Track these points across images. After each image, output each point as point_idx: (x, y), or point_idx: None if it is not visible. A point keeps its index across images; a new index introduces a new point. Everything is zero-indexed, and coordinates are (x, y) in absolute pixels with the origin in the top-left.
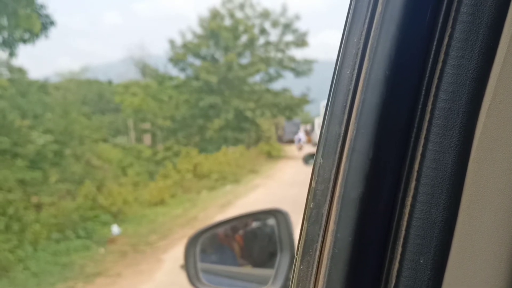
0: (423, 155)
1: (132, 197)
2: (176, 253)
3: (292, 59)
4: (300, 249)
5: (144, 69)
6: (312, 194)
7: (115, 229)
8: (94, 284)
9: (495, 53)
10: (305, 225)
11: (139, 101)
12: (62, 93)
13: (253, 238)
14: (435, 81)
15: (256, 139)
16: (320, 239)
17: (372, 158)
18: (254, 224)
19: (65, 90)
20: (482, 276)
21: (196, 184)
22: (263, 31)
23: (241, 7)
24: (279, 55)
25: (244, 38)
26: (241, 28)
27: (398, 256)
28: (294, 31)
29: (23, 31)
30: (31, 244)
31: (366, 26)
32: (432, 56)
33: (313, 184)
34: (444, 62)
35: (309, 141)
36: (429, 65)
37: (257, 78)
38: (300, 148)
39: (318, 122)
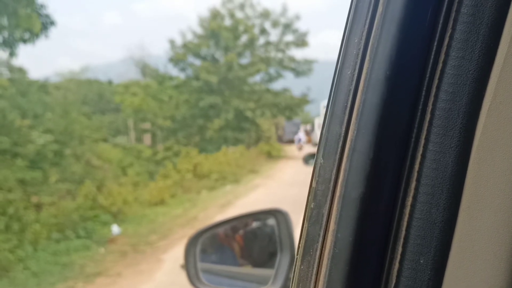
0: (423, 155)
1: (132, 197)
2: (176, 253)
3: (292, 59)
4: (301, 249)
5: (144, 69)
6: (313, 194)
7: (115, 229)
8: (94, 284)
9: (496, 54)
10: (305, 225)
11: (139, 101)
12: (62, 93)
13: (253, 238)
14: (436, 81)
15: (256, 139)
16: (320, 239)
17: (372, 158)
18: (254, 224)
19: (65, 90)
20: (482, 276)
21: (196, 184)
22: (263, 31)
23: (241, 7)
24: (279, 55)
25: (244, 38)
26: (241, 28)
27: (399, 256)
28: (294, 31)
29: (23, 31)
30: (31, 244)
31: (367, 26)
32: (432, 56)
33: (313, 184)
34: (445, 62)
35: (309, 141)
36: (430, 66)
37: (257, 78)
38: (300, 148)
39: (318, 122)
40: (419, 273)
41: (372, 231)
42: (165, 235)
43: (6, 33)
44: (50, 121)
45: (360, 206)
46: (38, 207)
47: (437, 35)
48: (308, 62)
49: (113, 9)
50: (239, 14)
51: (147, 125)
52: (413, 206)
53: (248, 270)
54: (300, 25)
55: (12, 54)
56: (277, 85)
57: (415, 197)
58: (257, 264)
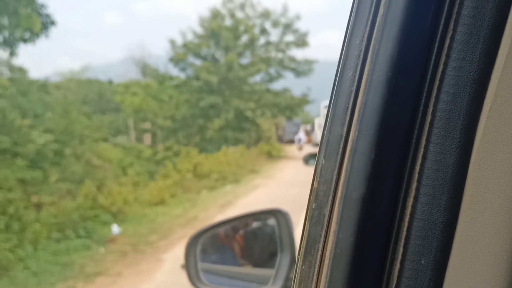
0: (424, 156)
1: (132, 197)
2: (176, 253)
3: (293, 59)
4: (302, 249)
5: (145, 69)
6: (314, 194)
7: (115, 228)
8: (94, 284)
9: (496, 55)
10: (307, 225)
11: (140, 100)
12: (62, 92)
13: (253, 238)
14: (437, 82)
15: (256, 139)
16: (322, 239)
17: (374, 159)
18: (255, 224)
19: (65, 90)
20: (482, 277)
21: (196, 184)
22: (263, 31)
23: (242, 7)
24: (280, 55)
25: (244, 38)
26: (241, 28)
27: (400, 257)
28: (295, 31)
29: (24, 31)
30: (31, 243)
31: (368, 28)
32: (433, 58)
33: (315, 185)
34: (446, 64)
35: (309, 141)
36: (431, 67)
37: (257, 78)
38: (300, 148)
39: (318, 122)
40: (420, 273)
41: (373, 231)
42: (165, 235)
43: (6, 33)
44: (50, 121)
45: (362, 207)
46: (38, 206)
47: (438, 36)
48: (309, 62)
49: (113, 9)
50: (239, 14)
51: (147, 125)
52: (414, 206)
53: (248, 270)
54: (301, 25)
55: (12, 53)
56: (277, 85)
57: (416, 198)
58: (257, 264)
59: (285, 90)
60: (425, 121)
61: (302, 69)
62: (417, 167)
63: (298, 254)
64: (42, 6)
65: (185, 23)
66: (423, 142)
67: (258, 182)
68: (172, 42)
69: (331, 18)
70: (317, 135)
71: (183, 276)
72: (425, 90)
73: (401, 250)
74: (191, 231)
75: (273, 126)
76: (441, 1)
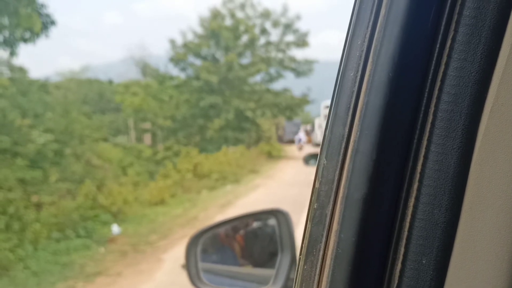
0: (425, 157)
1: (132, 197)
2: (176, 253)
3: (293, 59)
4: (304, 249)
5: (145, 68)
6: (316, 194)
7: (115, 228)
8: (94, 284)
9: (498, 56)
10: (309, 225)
11: (140, 100)
12: (62, 92)
13: (253, 238)
14: (438, 83)
15: (256, 139)
16: (323, 239)
17: (375, 160)
18: (255, 224)
19: (65, 90)
20: (484, 277)
21: (196, 184)
22: (263, 31)
23: (242, 7)
24: (280, 55)
25: (244, 38)
26: (241, 28)
27: (401, 257)
28: (295, 31)
29: (24, 31)
30: (31, 243)
31: (369, 28)
32: (435, 58)
33: (317, 185)
34: (447, 64)
35: (309, 141)
36: (432, 68)
37: (257, 78)
38: (300, 148)
39: (318, 122)
40: (422, 273)
41: (374, 231)
42: (165, 235)
43: (6, 33)
44: (51, 121)
45: (363, 207)
46: (38, 206)
47: (440, 37)
48: (309, 62)
49: (113, 9)
50: (239, 14)
51: (147, 125)
52: (415, 207)
53: (248, 270)
54: (301, 25)
55: (12, 53)
56: (277, 85)
57: (417, 198)
58: (257, 264)
59: (285, 90)
60: (427, 122)
61: (302, 69)
62: (419, 167)
63: (300, 254)
64: (42, 6)
65: (185, 23)
66: (425, 142)
67: (258, 182)
68: (172, 42)
69: (331, 18)
70: (317, 135)
71: (183, 276)
72: (427, 90)
73: (402, 250)
74: (191, 231)
75: (273, 126)
76: (442, 2)
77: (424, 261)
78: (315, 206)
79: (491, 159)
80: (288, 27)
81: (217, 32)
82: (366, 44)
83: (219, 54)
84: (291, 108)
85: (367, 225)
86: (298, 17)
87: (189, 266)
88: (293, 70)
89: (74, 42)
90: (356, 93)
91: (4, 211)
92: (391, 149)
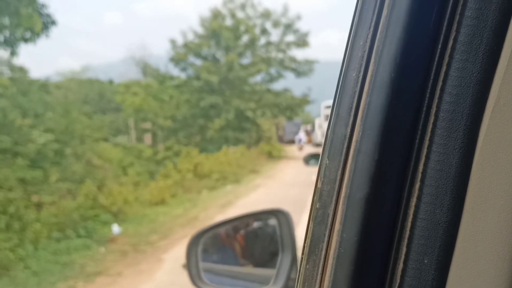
0: (427, 157)
1: (133, 197)
2: (176, 253)
3: (293, 59)
4: (306, 249)
5: (145, 68)
6: (318, 194)
7: (116, 228)
8: (94, 283)
9: (499, 56)
10: (311, 225)
11: (140, 100)
12: (63, 92)
13: (254, 238)
14: (440, 83)
15: (256, 139)
16: (326, 239)
17: (377, 160)
18: (256, 224)
19: (66, 90)
20: (485, 277)
21: (197, 184)
22: (264, 31)
23: (242, 7)
24: (280, 55)
25: (245, 38)
26: (242, 28)
27: (403, 256)
28: (295, 31)
29: (25, 30)
30: (31, 243)
31: (372, 29)
32: (437, 59)
33: (319, 185)
34: (449, 65)
35: (309, 141)
36: (434, 68)
37: (258, 78)
38: (300, 148)
39: (318, 122)
40: (423, 273)
41: (376, 231)
42: (166, 235)
43: (7, 32)
44: (51, 121)
45: (365, 207)
46: (39, 206)
47: (441, 37)
48: (309, 63)
49: (113, 9)
50: (240, 14)
51: (147, 125)
52: (417, 206)
53: (249, 270)
54: (301, 25)
55: (13, 53)
56: (278, 85)
57: (419, 198)
58: (258, 264)
59: (286, 90)
60: (428, 122)
61: (302, 69)
62: (420, 167)
63: (302, 254)
64: (43, 6)
65: (186, 23)
66: (426, 142)
67: (259, 182)
68: (173, 42)
69: (331, 18)
70: (318, 135)
71: (183, 276)
72: (428, 91)
73: (404, 249)
74: (192, 231)
75: (273, 126)
76: (444, 2)
77: (426, 261)
78: (317, 206)
79: (492, 159)
80: (288, 27)
81: (218, 32)
82: (368, 44)
83: (220, 54)
84: (292, 108)
85: (369, 224)
86: (298, 17)
87: (190, 265)
88: (294, 70)
89: (75, 42)
90: (358, 93)
91: (5, 210)
92: (393, 149)
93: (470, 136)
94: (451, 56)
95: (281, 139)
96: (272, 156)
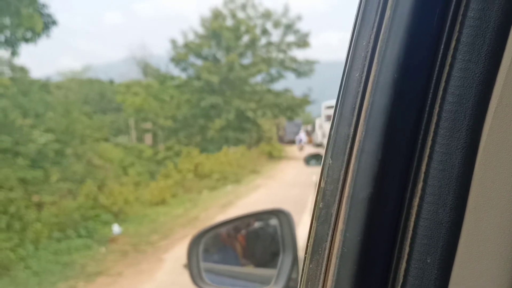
0: (430, 157)
1: (133, 197)
2: (177, 253)
3: (294, 60)
4: (310, 248)
5: (146, 68)
6: (321, 194)
7: (116, 228)
8: (95, 283)
9: (502, 57)
10: (314, 224)
11: (141, 100)
12: (63, 92)
13: (255, 238)
14: (443, 84)
15: (257, 139)
16: (329, 238)
17: (380, 159)
18: (257, 224)
19: (66, 90)
20: (488, 276)
21: (197, 184)
22: (264, 32)
23: (243, 7)
24: (281, 55)
25: (245, 39)
26: (242, 28)
27: (406, 256)
28: (296, 31)
29: (25, 30)
30: (32, 243)
31: (375, 30)
32: (439, 59)
33: (322, 184)
34: (451, 65)
35: (310, 141)
36: (437, 68)
37: (258, 78)
38: (301, 149)
39: (319, 122)
40: (426, 272)
41: (380, 231)
42: (166, 235)
43: (8, 32)
44: (52, 121)
45: (368, 206)
46: (39, 206)
47: (444, 38)
48: (310, 63)
49: (114, 9)
50: (240, 15)
51: (148, 125)
52: (420, 206)
53: (250, 270)
54: (302, 26)
55: (14, 53)
56: (278, 86)
57: (422, 198)
58: (259, 264)
59: (286, 91)
60: (431, 122)
61: (303, 70)
62: (423, 167)
63: (305, 253)
64: (44, 6)
65: (186, 23)
66: (429, 142)
67: (259, 183)
68: (173, 42)
69: (332, 18)
70: (318, 135)
71: (183, 276)
72: (431, 91)
73: (407, 249)
74: (192, 231)
75: (274, 127)
76: (447, 3)
77: (428, 260)
78: (321, 205)
79: (495, 159)
80: (289, 28)
81: (218, 32)
82: (371, 45)
83: (220, 54)
84: (292, 108)
85: (372, 224)
86: (299, 18)
87: (191, 265)
88: (294, 70)
89: (75, 42)
90: (362, 94)
91: (5, 210)
92: (396, 149)
93: (473, 136)
94: (453, 57)
95: (281, 140)
96: (273, 157)
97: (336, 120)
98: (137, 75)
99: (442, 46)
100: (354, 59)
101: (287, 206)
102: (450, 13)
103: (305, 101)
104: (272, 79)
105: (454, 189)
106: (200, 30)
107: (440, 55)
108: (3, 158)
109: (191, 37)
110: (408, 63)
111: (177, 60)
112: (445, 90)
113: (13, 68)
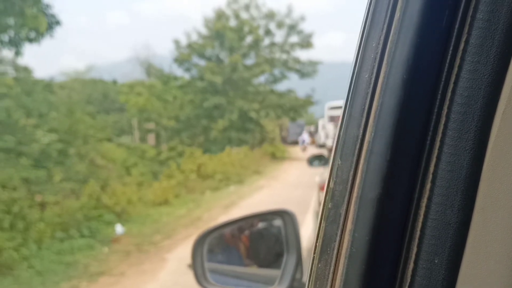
0: (438, 158)
1: (136, 197)
2: (179, 253)
3: (297, 61)
4: (318, 248)
5: (149, 69)
6: (330, 194)
7: (119, 228)
8: (97, 283)
9: (510, 59)
10: (323, 224)
11: (144, 101)
12: (67, 92)
13: (259, 239)
14: (451, 85)
15: (260, 140)
16: (338, 238)
17: (389, 160)
18: (261, 225)
19: (70, 90)
20: (495, 277)
21: (200, 184)
22: (268, 32)
23: (246, 8)
24: (284, 56)
25: (249, 39)
26: (246, 29)
27: (413, 256)
28: (299, 32)
29: (29, 30)
30: (35, 242)
31: (384, 31)
32: (448, 61)
33: (331, 185)
34: (460, 67)
35: (313, 142)
36: (445, 70)
37: (261, 79)
38: (304, 150)
39: (322, 123)
40: (434, 272)
41: (388, 231)
42: (169, 235)
43: (12, 32)
44: (55, 120)
45: (377, 207)
46: (42, 206)
47: (453, 40)
48: (313, 64)
49: (118, 9)
50: (244, 15)
51: (151, 125)
52: (428, 207)
53: (254, 270)
54: (305, 27)
55: (17, 53)
56: (281, 86)
57: (430, 198)
58: (263, 264)
59: (289, 91)
60: (440, 123)
61: (306, 70)
62: (431, 168)
63: (314, 253)
64: (48, 6)
65: (190, 23)
66: (438, 143)
67: (262, 183)
68: (177, 43)
69: (335, 19)
70: (321, 136)
71: (186, 276)
72: (440, 92)
73: (415, 249)
74: (195, 231)
75: (277, 127)
76: (456, 5)
77: (436, 261)
78: (330, 206)
79: (503, 160)
80: (292, 28)
81: (222, 33)
82: (380, 46)
83: (224, 55)
84: (295, 109)
85: (380, 224)
86: (302, 18)
87: (196, 266)
88: (297, 71)
89: (79, 42)
90: (371, 95)
91: (9, 210)
92: (404, 150)
93: (481, 137)
94: (462, 58)
95: (284, 140)
96: (276, 157)
97: (345, 121)
98: (140, 75)
99: (451, 48)
100: (363, 60)
101: (290, 207)
102: (459, 15)
103: (308, 101)
104: (275, 80)
105: (462, 190)
106: (204, 31)
107: (449, 57)
108: (6, 158)
109: (194, 37)
110: (417, 64)
111: (180, 60)
112: (453, 91)
113: (16, 68)
